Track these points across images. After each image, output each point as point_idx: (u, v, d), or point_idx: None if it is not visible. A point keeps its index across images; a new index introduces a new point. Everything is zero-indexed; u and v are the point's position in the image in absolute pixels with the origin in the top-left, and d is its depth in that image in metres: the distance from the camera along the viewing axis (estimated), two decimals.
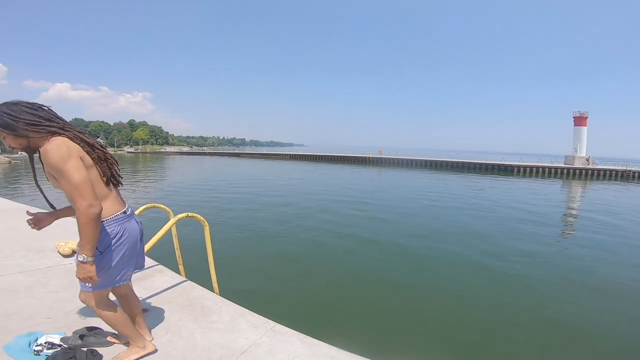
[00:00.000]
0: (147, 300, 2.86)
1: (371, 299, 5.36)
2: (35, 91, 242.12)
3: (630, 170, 34.91)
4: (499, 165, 36.51)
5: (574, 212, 14.70)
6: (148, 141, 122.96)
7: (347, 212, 12.08)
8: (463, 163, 38.47)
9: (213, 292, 3.22)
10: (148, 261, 3.75)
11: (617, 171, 34.89)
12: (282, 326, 2.58)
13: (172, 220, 2.82)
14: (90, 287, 1.87)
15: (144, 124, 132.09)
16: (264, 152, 65.26)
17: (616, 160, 53.08)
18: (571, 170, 34.98)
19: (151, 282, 3.24)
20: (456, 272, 6.61)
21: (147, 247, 2.77)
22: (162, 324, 2.54)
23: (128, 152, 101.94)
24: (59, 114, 1.80)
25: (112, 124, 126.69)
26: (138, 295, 2.76)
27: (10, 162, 52.24)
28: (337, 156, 47.62)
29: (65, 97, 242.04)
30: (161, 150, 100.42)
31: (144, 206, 3.35)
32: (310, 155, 50.95)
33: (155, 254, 3.50)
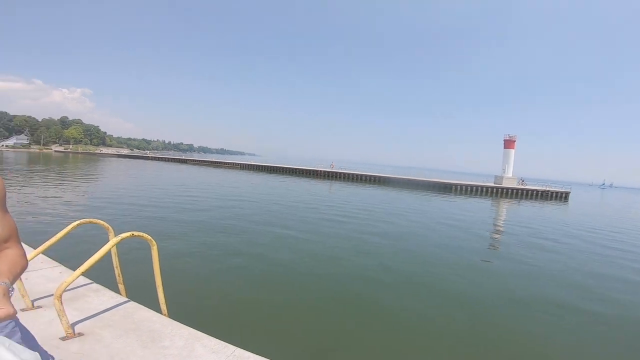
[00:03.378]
0: (83, 323, 2.48)
1: (333, 316, 5.27)
2: None
3: (548, 190, 39.66)
4: (440, 183, 39.21)
5: (499, 227, 16.13)
6: (81, 140, 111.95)
7: (305, 227, 11.94)
8: (409, 180, 40.65)
9: (161, 314, 2.89)
10: (79, 279, 3.28)
11: (537, 191, 39.39)
12: (243, 350, 2.38)
13: (114, 241, 2.51)
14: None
15: (78, 121, 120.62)
16: (213, 159, 62.50)
17: (538, 180, 59.91)
18: (500, 190, 38.74)
19: (85, 302, 2.84)
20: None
21: (82, 268, 2.40)
22: (105, 350, 2.23)
23: (56, 151, 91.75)
24: None
25: (40, 120, 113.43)
26: (70, 318, 2.38)
27: None
28: (289, 168, 47.42)
29: None
30: (96, 152, 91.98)
31: (78, 221, 2.92)
32: (262, 166, 50.09)
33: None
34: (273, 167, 48.94)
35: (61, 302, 2.25)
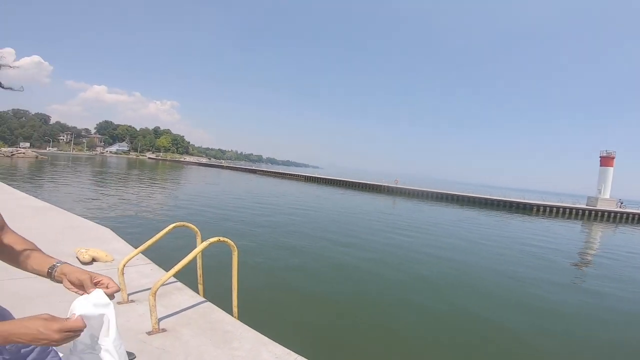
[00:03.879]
0: (166, 319, 2.76)
1: (397, 329, 5.14)
2: (74, 91, 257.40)
3: None
4: (518, 203, 35.58)
5: (589, 256, 13.92)
6: (169, 149, 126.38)
7: (371, 240, 11.83)
8: (481, 199, 37.60)
9: (232, 315, 3.09)
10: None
11: None
12: (304, 358, 2.43)
13: (203, 244, 2.80)
14: None
15: (167, 132, 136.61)
16: (280, 171, 65.59)
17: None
18: (593, 212, 33.80)
19: (170, 299, 3.15)
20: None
21: (175, 269, 2.70)
22: (183, 347, 2.43)
23: (149, 157, 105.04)
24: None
25: (138, 129, 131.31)
26: (158, 314, 2.66)
27: (37, 157, 54.47)
28: (352, 182, 47.42)
29: (101, 99, 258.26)
30: (180, 160, 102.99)
31: (173, 224, 3.34)
32: (325, 179, 50.95)
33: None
34: (336, 180, 49.43)
35: (155, 299, 2.55)
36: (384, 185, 44.14)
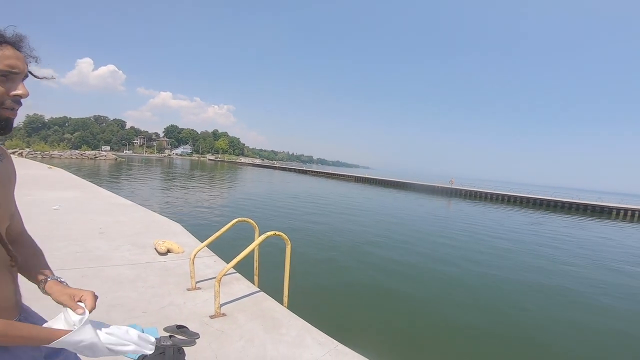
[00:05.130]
0: (226, 306, 3.19)
1: (452, 327, 5.19)
2: (145, 97, 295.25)
3: None
4: (596, 206, 32.01)
5: None
6: (227, 151, 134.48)
7: (421, 239, 11.71)
8: (549, 201, 34.50)
9: (282, 305, 3.45)
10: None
11: None
12: (344, 346, 2.69)
13: (261, 238, 3.18)
14: None
15: (225, 134, 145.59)
16: (330, 171, 66.28)
17: None
18: None
19: (230, 288, 3.60)
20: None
21: (236, 260, 3.10)
22: (238, 330, 2.82)
23: (209, 159, 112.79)
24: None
25: (199, 132, 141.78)
26: (220, 300, 3.10)
27: (116, 159, 61.43)
28: (403, 182, 46.37)
29: (167, 104, 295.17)
30: (236, 161, 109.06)
31: (236, 220, 3.82)
32: (375, 179, 50.46)
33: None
34: (386, 180, 48.73)
35: (219, 286, 2.97)
36: (438, 186, 42.56)
